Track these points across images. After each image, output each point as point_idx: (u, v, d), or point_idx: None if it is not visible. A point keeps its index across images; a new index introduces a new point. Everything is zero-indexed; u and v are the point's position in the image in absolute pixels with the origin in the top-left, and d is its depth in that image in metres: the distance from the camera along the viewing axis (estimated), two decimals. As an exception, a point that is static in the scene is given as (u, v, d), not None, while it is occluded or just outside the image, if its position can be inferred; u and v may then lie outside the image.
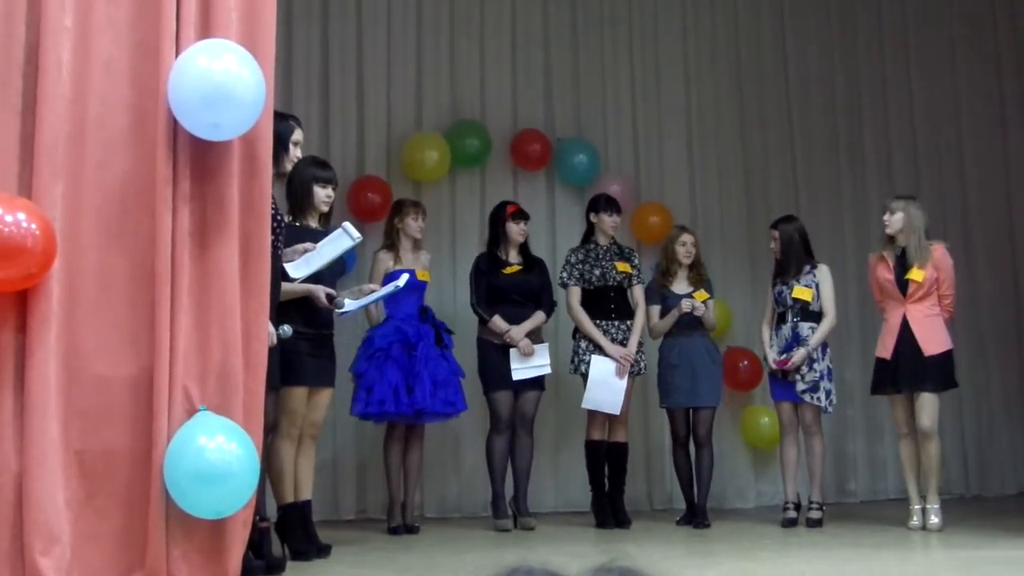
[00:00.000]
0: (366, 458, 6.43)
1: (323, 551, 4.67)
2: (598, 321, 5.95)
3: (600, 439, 5.97)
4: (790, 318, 5.91)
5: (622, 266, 6.04)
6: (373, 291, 5.03)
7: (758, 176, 7.43)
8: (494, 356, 5.84)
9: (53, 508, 3.32)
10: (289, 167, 4.52)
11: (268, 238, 3.68)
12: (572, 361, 6.03)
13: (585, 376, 5.90)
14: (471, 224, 6.83)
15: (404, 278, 5.06)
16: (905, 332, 5.58)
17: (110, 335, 3.47)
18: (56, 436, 3.36)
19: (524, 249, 6.08)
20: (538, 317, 5.92)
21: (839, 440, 7.15)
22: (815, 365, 5.81)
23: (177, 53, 3.51)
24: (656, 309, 6.11)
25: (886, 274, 5.67)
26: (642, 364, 6.03)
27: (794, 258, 5.96)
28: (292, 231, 4.60)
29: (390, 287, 5.02)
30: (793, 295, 5.89)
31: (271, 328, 3.89)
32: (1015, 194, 7.73)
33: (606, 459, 6.00)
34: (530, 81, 7.13)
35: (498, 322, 5.81)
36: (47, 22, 3.45)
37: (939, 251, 5.64)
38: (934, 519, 5.49)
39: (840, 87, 7.65)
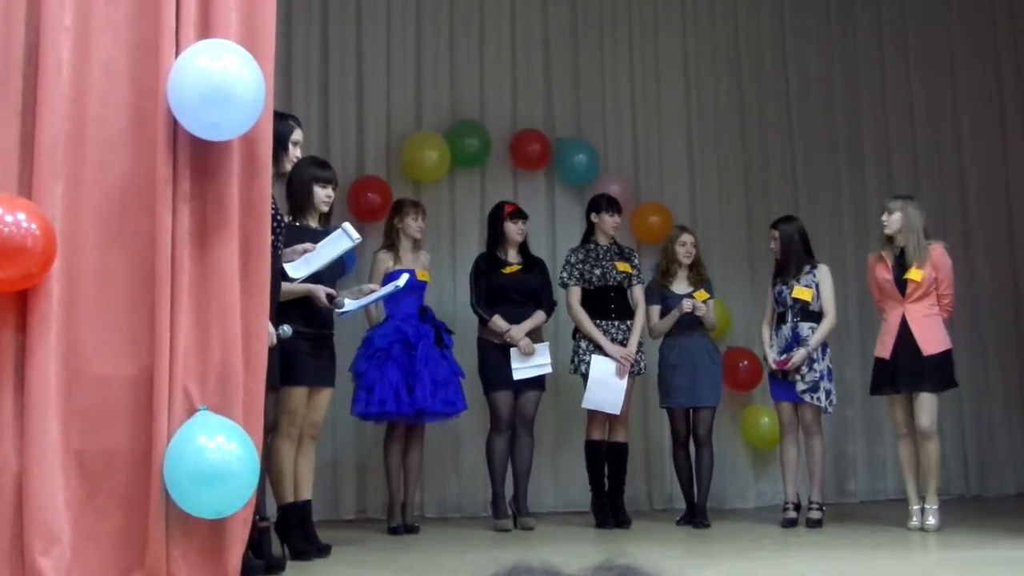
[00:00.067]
0: (366, 458, 6.43)
1: (323, 551, 4.67)
2: (598, 321, 5.95)
3: (600, 439, 5.98)
4: (790, 318, 5.91)
5: (622, 266, 6.04)
6: (373, 291, 5.03)
7: (758, 176, 7.43)
8: (494, 356, 5.84)
9: (53, 508, 3.32)
10: (289, 167, 4.51)
11: (268, 238, 3.68)
12: (572, 361, 6.03)
13: (585, 376, 5.90)
14: (471, 224, 6.82)
15: (404, 278, 5.07)
16: (904, 332, 5.58)
17: (110, 335, 3.47)
18: (56, 436, 3.36)
19: (524, 249, 6.08)
20: (538, 316, 5.92)
21: (839, 440, 7.16)
22: (815, 365, 5.81)
23: (177, 53, 3.51)
24: (656, 309, 6.11)
25: (885, 274, 5.67)
26: (642, 364, 6.03)
27: (794, 258, 5.96)
28: (292, 231, 4.60)
29: (390, 287, 5.02)
30: (793, 295, 5.89)
31: (271, 328, 3.89)
32: (1015, 194, 7.73)
33: (606, 459, 6.00)
34: (530, 81, 7.13)
35: (498, 322, 5.81)
36: (47, 22, 3.45)
37: (938, 251, 5.64)
38: (931, 520, 5.49)
39: (840, 87, 7.65)
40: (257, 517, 3.95)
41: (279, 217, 4.27)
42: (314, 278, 4.58)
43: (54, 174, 3.42)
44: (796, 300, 5.89)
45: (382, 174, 6.72)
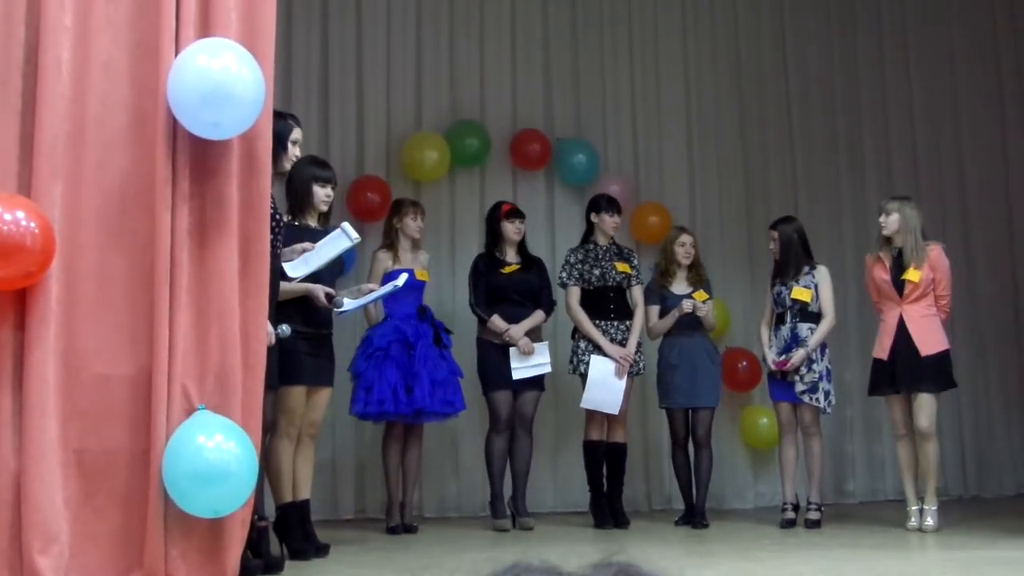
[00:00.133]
0: (365, 458, 6.43)
1: (322, 550, 4.67)
2: (597, 321, 5.95)
3: (599, 439, 5.97)
4: (789, 319, 5.91)
5: (621, 266, 6.04)
6: (372, 291, 5.03)
7: (758, 176, 7.43)
8: (494, 356, 5.84)
9: (51, 507, 3.32)
10: (288, 166, 4.51)
11: (267, 237, 3.68)
12: (571, 361, 6.02)
13: (584, 376, 5.90)
14: (470, 224, 6.82)
15: (403, 278, 5.06)
16: (901, 332, 5.58)
17: (109, 334, 3.47)
18: (55, 435, 3.36)
19: (523, 249, 6.08)
20: (537, 316, 5.92)
21: (838, 441, 7.16)
22: (814, 366, 5.81)
23: (177, 53, 3.51)
24: (655, 309, 6.11)
25: (882, 275, 5.67)
26: (641, 364, 6.03)
27: (793, 259, 5.96)
28: (291, 230, 4.60)
29: (389, 287, 5.02)
30: (792, 296, 5.89)
31: (270, 327, 3.89)
32: (1015, 194, 7.74)
33: (605, 459, 6.00)
34: (530, 81, 7.13)
35: (497, 321, 5.81)
36: (47, 21, 3.45)
37: (935, 251, 5.65)
38: (929, 521, 5.48)
39: (840, 87, 7.65)
40: (256, 517, 3.95)
41: (278, 216, 4.27)
42: (313, 278, 4.58)
43: (53, 173, 3.43)
44: (795, 301, 5.89)
45: (382, 174, 6.72)
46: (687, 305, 5.96)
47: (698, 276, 6.19)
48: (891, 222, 5.66)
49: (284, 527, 4.62)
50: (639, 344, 6.01)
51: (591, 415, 5.96)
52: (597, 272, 5.99)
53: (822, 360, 5.86)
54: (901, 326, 5.59)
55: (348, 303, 4.80)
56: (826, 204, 7.45)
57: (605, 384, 5.84)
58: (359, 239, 4.63)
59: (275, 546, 4.46)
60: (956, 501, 7.10)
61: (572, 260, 6.05)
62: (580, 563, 1.36)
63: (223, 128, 3.49)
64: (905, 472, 5.68)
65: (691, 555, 4.97)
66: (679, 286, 6.13)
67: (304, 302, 4.62)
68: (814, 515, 5.80)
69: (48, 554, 3.29)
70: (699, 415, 6.06)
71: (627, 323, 6.00)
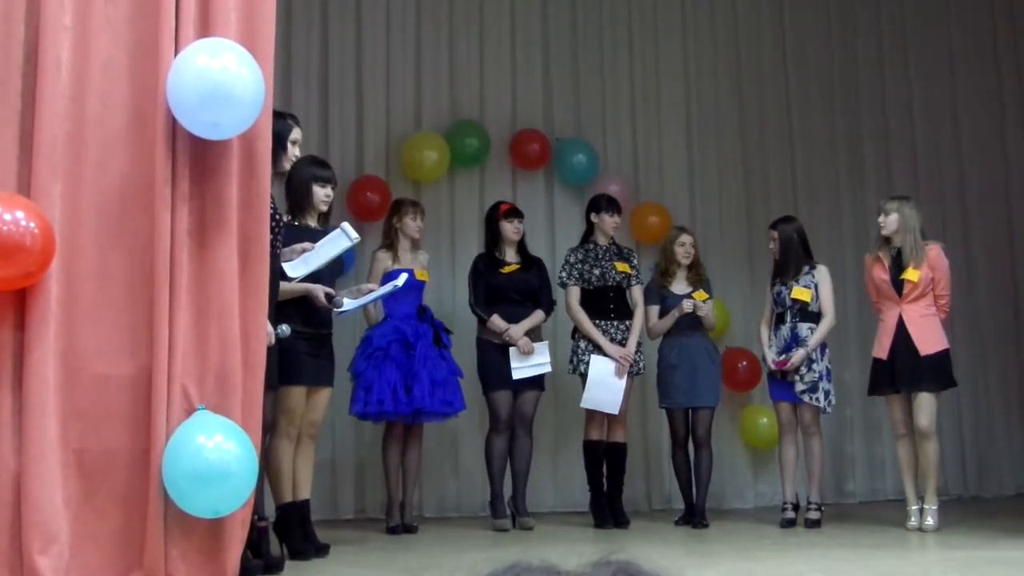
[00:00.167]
0: (365, 458, 6.43)
1: (321, 550, 4.67)
2: (597, 321, 5.95)
3: (598, 439, 5.97)
4: (789, 318, 5.91)
5: (621, 266, 6.04)
6: (372, 291, 5.03)
7: (758, 176, 7.43)
8: (494, 356, 5.84)
9: (51, 507, 3.32)
10: (287, 166, 4.51)
11: (267, 237, 3.68)
12: (571, 361, 6.02)
13: (584, 376, 5.90)
14: (470, 224, 6.82)
15: (403, 278, 5.06)
16: (901, 332, 5.58)
17: (109, 334, 3.47)
18: (54, 435, 3.36)
19: (522, 248, 6.08)
20: (537, 316, 5.92)
21: (837, 441, 7.16)
22: (814, 366, 5.81)
23: (176, 52, 3.51)
24: (655, 309, 6.11)
25: (882, 274, 5.67)
26: (641, 364, 6.03)
27: (793, 258, 5.96)
28: (291, 230, 4.60)
29: (389, 287, 5.01)
30: (792, 295, 5.89)
31: (270, 327, 3.89)
32: (1015, 194, 7.74)
33: (605, 459, 6.00)
34: (529, 81, 7.13)
35: (496, 321, 5.81)
36: (46, 21, 3.45)
37: (934, 251, 5.65)
38: (930, 520, 5.48)
39: (839, 87, 7.65)
40: (256, 517, 3.95)
41: (278, 216, 4.27)
42: (313, 277, 4.58)
43: (53, 173, 3.42)
44: (795, 300, 5.89)
45: (381, 174, 6.72)
46: (688, 305, 5.96)
47: (698, 276, 6.19)
48: (890, 222, 5.66)
49: (284, 527, 4.62)
50: (639, 344, 6.01)
51: (591, 415, 5.95)
52: (597, 272, 5.99)
53: (822, 360, 5.86)
54: (900, 326, 5.59)
55: (348, 303, 4.79)
56: (826, 204, 7.45)
57: (605, 384, 5.84)
58: (359, 239, 4.63)
59: (275, 546, 4.46)
60: (956, 501, 7.09)
61: (572, 260, 6.04)
62: (580, 562, 1.36)
63: (223, 128, 3.49)
64: (905, 472, 5.68)
65: (691, 555, 4.96)
66: (679, 286, 6.13)
67: (304, 302, 4.62)
68: (814, 515, 5.80)
69: (48, 554, 3.29)
70: (699, 415, 6.06)
71: (627, 323, 6.00)
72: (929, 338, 5.56)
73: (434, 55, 6.95)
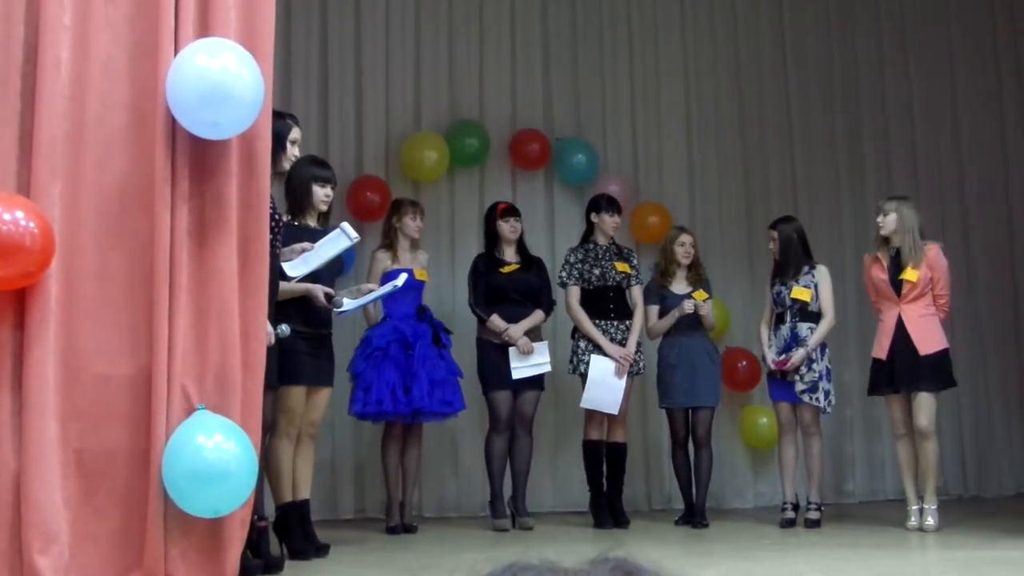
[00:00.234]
0: (364, 458, 6.43)
1: (321, 550, 4.67)
2: (597, 321, 5.94)
3: (598, 439, 5.97)
4: (788, 318, 5.91)
5: (621, 266, 6.04)
6: (371, 291, 5.03)
7: (757, 176, 7.43)
8: (493, 356, 5.84)
9: (51, 507, 3.32)
10: (287, 166, 4.51)
11: (267, 237, 3.68)
12: (571, 361, 6.02)
13: (584, 376, 5.90)
14: (470, 224, 6.82)
15: (402, 277, 5.06)
16: (900, 332, 5.58)
17: (108, 334, 3.47)
18: (54, 435, 3.35)
19: (522, 248, 6.08)
20: (537, 316, 5.92)
21: (837, 440, 7.16)
22: (814, 365, 5.81)
23: (176, 52, 3.51)
24: (655, 309, 6.11)
25: (880, 274, 5.67)
26: (641, 364, 6.03)
27: (793, 258, 5.96)
28: (290, 230, 4.60)
29: (388, 287, 5.01)
30: (792, 295, 5.89)
31: (269, 327, 3.89)
32: (1015, 194, 7.73)
33: (605, 459, 5.99)
34: (529, 81, 7.13)
35: (496, 321, 5.81)
36: (46, 21, 3.45)
37: (933, 251, 5.65)
38: (930, 520, 5.48)
39: (839, 87, 7.65)
40: (255, 517, 3.95)
41: (277, 216, 4.27)
42: (312, 277, 4.58)
43: (53, 173, 3.42)
44: (795, 300, 5.89)
45: (381, 174, 6.72)
46: (688, 305, 5.96)
47: (698, 276, 6.19)
48: (888, 222, 5.66)
49: (284, 527, 4.62)
50: (639, 344, 6.01)
51: (591, 415, 5.95)
52: (597, 272, 5.98)
53: (822, 360, 5.86)
54: (900, 326, 5.59)
55: (347, 303, 4.79)
56: (826, 204, 7.45)
57: (605, 384, 5.84)
58: (358, 239, 4.63)
59: (275, 546, 4.46)
60: (956, 501, 7.09)
61: (572, 260, 6.04)
62: (578, 559, 1.36)
63: (222, 128, 3.49)
64: (905, 472, 5.68)
65: (691, 555, 4.96)
66: (679, 286, 6.13)
67: (304, 302, 4.62)
68: (814, 515, 5.80)
69: (48, 554, 3.29)
70: (699, 415, 6.06)
71: (627, 323, 6.00)
72: (928, 338, 5.56)
73: (434, 55, 6.95)
